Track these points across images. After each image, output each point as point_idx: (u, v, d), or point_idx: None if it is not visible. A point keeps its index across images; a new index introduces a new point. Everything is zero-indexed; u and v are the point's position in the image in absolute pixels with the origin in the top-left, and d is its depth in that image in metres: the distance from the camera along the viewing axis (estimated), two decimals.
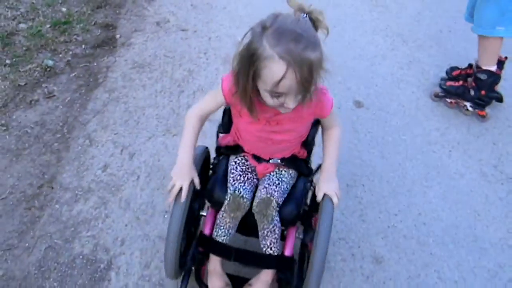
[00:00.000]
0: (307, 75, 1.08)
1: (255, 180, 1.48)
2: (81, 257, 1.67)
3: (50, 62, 2.65)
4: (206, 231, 1.49)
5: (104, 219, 1.80)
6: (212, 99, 1.37)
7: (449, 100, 2.65)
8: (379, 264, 1.79)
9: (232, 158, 1.50)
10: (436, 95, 2.68)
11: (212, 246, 1.45)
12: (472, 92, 2.51)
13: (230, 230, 1.45)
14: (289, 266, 1.47)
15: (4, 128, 2.19)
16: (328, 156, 1.45)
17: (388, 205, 2.04)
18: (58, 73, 2.61)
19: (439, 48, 3.09)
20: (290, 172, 1.50)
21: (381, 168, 2.23)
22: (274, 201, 1.39)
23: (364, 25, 3.30)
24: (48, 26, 2.95)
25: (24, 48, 2.74)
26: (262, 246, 1.46)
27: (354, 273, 1.74)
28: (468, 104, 2.57)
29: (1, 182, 1.92)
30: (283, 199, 1.43)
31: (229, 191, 1.41)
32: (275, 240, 1.44)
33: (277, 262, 1.46)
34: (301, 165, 1.52)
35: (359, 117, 2.55)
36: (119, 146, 2.14)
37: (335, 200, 1.38)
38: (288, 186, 1.47)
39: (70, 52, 2.78)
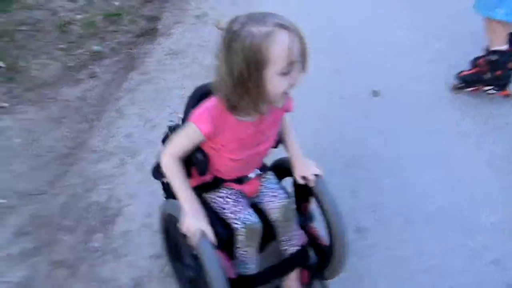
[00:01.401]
0: (304, 38, 1.12)
1: (248, 201, 1.46)
2: (96, 204, 2.00)
3: (97, 48, 3.07)
4: (231, 275, 1.38)
5: (120, 176, 2.13)
6: (188, 141, 1.28)
7: (469, 89, 2.70)
8: (361, 233, 1.95)
9: (215, 195, 1.44)
10: (455, 87, 2.75)
11: (251, 283, 1.43)
12: (488, 75, 2.55)
13: (256, 258, 1.44)
14: (308, 254, 1.55)
15: (52, 100, 2.61)
16: (293, 143, 1.48)
17: (383, 184, 2.17)
18: (103, 58, 3.01)
19: (472, 46, 3.12)
20: (270, 173, 1.54)
21: (384, 152, 2.35)
22: (291, 202, 1.46)
23: (396, 19, 3.41)
24: (100, 17, 3.38)
25: (77, 36, 3.18)
26: (286, 248, 1.50)
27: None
28: (488, 88, 2.60)
29: (43, 142, 2.32)
30: None
31: (237, 226, 1.36)
32: (298, 236, 1.51)
33: (302, 256, 1.52)
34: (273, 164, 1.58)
35: (373, 105, 2.68)
36: (143, 119, 2.47)
37: (321, 173, 1.46)
38: (281, 186, 1.53)
39: (116, 40, 3.19)
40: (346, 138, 2.41)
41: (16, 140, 2.31)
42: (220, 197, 1.42)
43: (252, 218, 1.38)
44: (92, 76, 2.83)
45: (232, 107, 1.20)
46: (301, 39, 1.11)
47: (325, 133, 2.44)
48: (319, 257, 1.59)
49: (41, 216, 1.94)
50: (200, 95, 1.39)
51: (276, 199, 1.46)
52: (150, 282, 1.72)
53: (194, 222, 1.25)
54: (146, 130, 2.39)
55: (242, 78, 1.10)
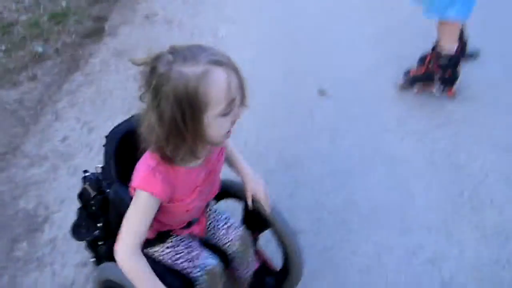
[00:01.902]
0: (239, 70, 1.01)
1: (199, 242, 1.35)
2: (23, 211, 1.93)
3: (40, 49, 2.99)
4: None
5: (51, 182, 2.06)
6: (145, 218, 1.08)
7: (415, 90, 2.73)
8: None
9: (162, 247, 1.28)
10: (402, 87, 2.77)
11: None
12: (437, 76, 2.59)
13: None
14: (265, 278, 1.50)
15: None
16: (241, 162, 1.37)
17: (323, 185, 2.16)
18: (46, 59, 2.94)
19: (423, 45, 3.15)
20: (212, 203, 1.44)
21: (327, 152, 2.35)
22: (244, 229, 1.39)
23: (349, 17, 3.42)
24: (45, 18, 3.30)
25: (20, 37, 3.09)
26: (242, 276, 1.43)
27: (268, 243, 1.88)
28: (435, 87, 2.64)
29: None
30: None
31: (196, 274, 1.24)
32: (254, 262, 1.45)
33: (261, 282, 1.47)
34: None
35: (319, 104, 2.68)
36: (81, 122, 2.41)
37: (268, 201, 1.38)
38: (225, 213, 1.43)
39: (61, 41, 3.11)
40: (289, 138, 2.40)
41: None
42: (170, 247, 1.27)
43: (211, 260, 1.27)
44: (32, 78, 2.75)
45: (169, 159, 1.05)
46: (237, 72, 0.99)
47: (267, 133, 2.42)
48: (273, 279, 1.52)
49: None
50: (119, 138, 1.23)
51: (231, 230, 1.38)
52: None
53: None
54: (83, 134, 2.34)
55: (177, 127, 0.96)
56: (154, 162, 1.06)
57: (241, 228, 1.40)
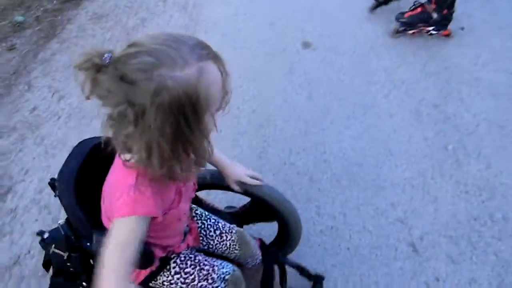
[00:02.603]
0: (222, 59, 0.88)
1: (203, 254, 1.25)
2: None
3: (20, 18, 2.97)
4: None
5: (17, 153, 2.08)
6: (136, 243, 0.89)
7: (410, 32, 2.57)
8: None
9: (167, 276, 1.16)
10: (396, 31, 2.60)
11: None
12: (435, 15, 2.45)
13: None
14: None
15: None
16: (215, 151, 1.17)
17: (294, 144, 2.08)
18: (26, 28, 2.92)
19: None
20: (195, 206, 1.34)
21: (303, 108, 2.25)
22: (235, 226, 1.33)
23: None
24: None
25: (1, 8, 3.09)
26: (256, 263, 1.37)
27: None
28: (431, 28, 2.51)
29: None
30: None
31: (220, 287, 1.15)
32: (257, 247, 1.39)
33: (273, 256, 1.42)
34: None
35: (302, 58, 2.56)
36: (52, 90, 2.40)
37: (256, 174, 1.29)
38: (211, 215, 1.34)
39: (42, 8, 3.08)
40: (266, 95, 2.30)
41: None
42: (177, 272, 1.14)
43: (226, 267, 1.18)
44: (11, 48, 2.75)
45: (170, 176, 0.90)
46: (221, 61, 0.86)
47: (244, 89, 2.33)
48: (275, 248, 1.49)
49: None
50: (75, 179, 1.04)
51: (225, 236, 1.28)
52: (29, 260, 1.70)
53: None
54: (52, 102, 2.33)
55: (183, 136, 0.83)
56: (133, 179, 0.89)
57: (234, 230, 1.30)
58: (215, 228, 1.28)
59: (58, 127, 2.20)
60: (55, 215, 1.84)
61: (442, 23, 2.51)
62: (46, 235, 1.09)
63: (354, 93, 2.32)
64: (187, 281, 1.14)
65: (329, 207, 1.83)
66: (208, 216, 1.30)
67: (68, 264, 1.08)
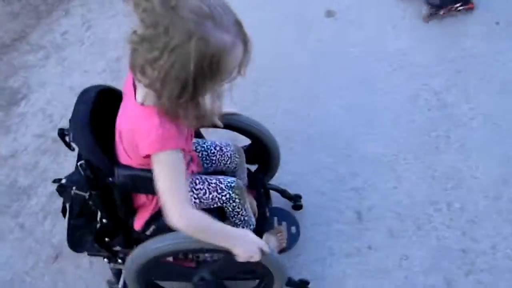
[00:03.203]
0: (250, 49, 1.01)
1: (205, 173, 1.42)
2: (10, 88, 2.29)
3: None
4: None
5: (40, 68, 2.39)
6: (181, 172, 1.06)
7: (442, 12, 2.52)
8: None
9: None
10: (429, 15, 2.54)
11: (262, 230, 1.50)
12: None
13: (249, 210, 1.43)
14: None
15: None
16: None
17: (282, 104, 2.18)
18: None
19: None
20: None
21: (300, 74, 2.32)
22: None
23: None
24: None
25: None
26: (244, 179, 1.53)
27: None
28: (458, 4, 2.48)
29: None
30: None
31: (227, 196, 1.30)
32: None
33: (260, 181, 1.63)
34: None
35: (321, 27, 2.60)
36: (84, 20, 2.67)
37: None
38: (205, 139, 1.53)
39: None
40: (272, 54, 2.37)
41: None
42: (189, 191, 1.27)
43: (230, 178, 1.33)
44: None
45: (173, 118, 1.01)
46: (247, 49, 0.98)
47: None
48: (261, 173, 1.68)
49: None
50: (88, 122, 1.14)
51: (224, 149, 1.44)
52: (24, 155, 2.00)
53: (250, 246, 1.16)
54: (81, 30, 2.59)
55: (192, 86, 0.93)
56: (157, 118, 1.00)
57: (230, 143, 1.47)
58: (214, 146, 1.44)
59: (79, 52, 2.46)
60: (56, 123, 2.12)
61: None
62: (63, 181, 1.20)
63: (358, 66, 2.35)
64: (199, 195, 1.28)
65: (293, 165, 1.94)
66: (204, 141, 1.46)
67: (90, 203, 1.18)
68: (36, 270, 1.73)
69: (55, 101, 2.21)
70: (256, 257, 1.15)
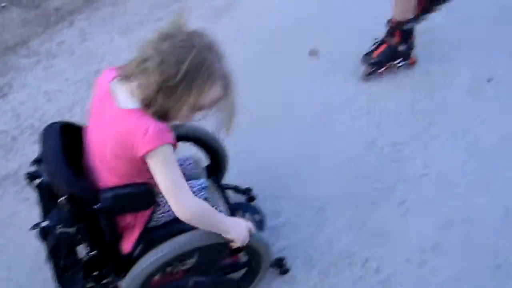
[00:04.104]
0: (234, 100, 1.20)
1: None
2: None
3: None
4: None
5: None
6: (178, 167, 1.17)
7: (380, 70, 2.47)
8: None
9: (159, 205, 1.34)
10: (367, 73, 2.47)
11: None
12: (401, 47, 2.38)
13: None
14: None
15: None
16: None
17: None
18: None
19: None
20: None
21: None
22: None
23: None
24: None
25: None
26: None
27: None
28: (397, 60, 2.44)
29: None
30: None
31: (202, 196, 1.42)
32: None
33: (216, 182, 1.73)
34: None
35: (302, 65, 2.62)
36: None
37: None
38: None
39: None
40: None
41: None
42: (166, 203, 1.31)
43: (199, 181, 1.45)
44: None
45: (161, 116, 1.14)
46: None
47: None
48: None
49: None
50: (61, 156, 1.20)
51: (185, 162, 1.60)
52: None
53: (242, 229, 1.27)
54: (77, 41, 2.80)
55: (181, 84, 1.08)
56: (148, 116, 1.11)
57: (189, 158, 1.61)
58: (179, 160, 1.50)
59: (66, 61, 2.66)
60: (21, 122, 2.28)
61: (408, 53, 2.43)
62: (45, 223, 1.20)
63: (325, 107, 2.34)
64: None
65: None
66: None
67: (78, 236, 1.21)
68: None
69: (28, 102, 2.39)
70: (246, 240, 1.27)
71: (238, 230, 1.26)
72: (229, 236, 1.25)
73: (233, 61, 1.19)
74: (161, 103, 1.09)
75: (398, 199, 1.95)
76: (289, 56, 2.58)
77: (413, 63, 2.48)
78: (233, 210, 1.64)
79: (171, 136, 1.13)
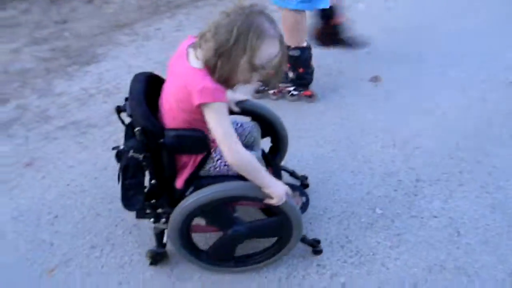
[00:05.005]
0: (285, 60, 1.38)
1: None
2: None
3: None
4: None
5: None
6: (229, 120, 1.36)
7: (271, 92, 2.48)
8: None
9: (213, 162, 1.54)
10: (257, 91, 2.50)
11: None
12: (290, 74, 2.38)
13: None
14: None
15: None
16: None
17: None
18: None
19: None
20: None
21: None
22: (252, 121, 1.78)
23: None
24: None
25: None
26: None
27: None
28: (291, 88, 2.44)
29: None
30: None
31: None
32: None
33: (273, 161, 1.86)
34: None
35: None
36: None
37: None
38: None
39: None
40: None
41: None
42: (219, 159, 1.53)
43: (254, 151, 1.60)
44: None
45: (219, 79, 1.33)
46: (284, 59, 1.36)
47: None
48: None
49: None
50: (143, 97, 1.42)
51: (245, 125, 1.72)
52: (63, 96, 2.64)
53: (281, 189, 1.44)
54: (171, 30, 3.21)
55: (237, 46, 1.26)
56: (208, 75, 1.31)
57: (249, 121, 1.74)
58: (236, 122, 1.70)
59: (156, 45, 3.06)
60: (100, 84, 2.71)
61: (301, 83, 2.40)
62: (121, 147, 1.43)
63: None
64: (226, 164, 1.50)
65: None
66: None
67: (144, 163, 1.42)
68: None
69: (112, 71, 2.83)
70: (283, 199, 1.43)
71: (276, 188, 1.42)
72: (267, 191, 1.41)
73: None
74: (221, 66, 1.29)
75: (396, 231, 1.93)
76: None
77: (308, 96, 2.46)
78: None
79: (223, 95, 1.31)
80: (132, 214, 1.60)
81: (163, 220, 1.60)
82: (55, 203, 2.01)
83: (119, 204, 1.49)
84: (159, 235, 1.70)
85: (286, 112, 2.26)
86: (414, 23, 3.29)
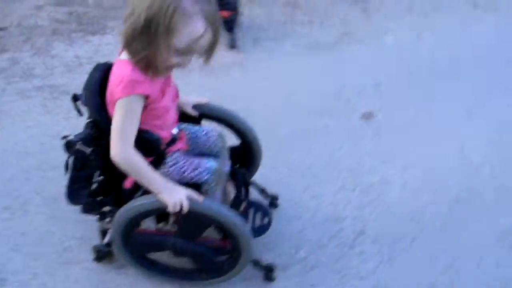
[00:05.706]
0: (218, 38, 1.21)
1: (192, 154, 1.56)
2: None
3: None
4: None
5: None
6: (135, 119, 1.27)
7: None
8: None
9: (165, 168, 1.46)
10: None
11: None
12: None
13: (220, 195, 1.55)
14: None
15: None
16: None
17: None
18: None
19: None
20: (181, 123, 1.60)
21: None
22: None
23: None
24: None
25: None
26: (226, 168, 1.64)
27: None
28: None
29: None
30: None
31: (205, 177, 1.45)
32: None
33: (242, 176, 1.74)
34: None
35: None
36: None
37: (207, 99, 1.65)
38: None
39: None
40: None
41: None
42: (173, 165, 1.45)
43: (213, 162, 1.48)
44: None
45: (144, 66, 1.22)
46: (216, 38, 1.21)
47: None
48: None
49: None
50: (98, 88, 1.35)
51: (209, 134, 1.61)
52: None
53: (178, 194, 1.32)
54: None
55: (149, 29, 1.13)
56: (130, 66, 1.21)
57: (215, 130, 1.63)
58: (201, 130, 1.62)
59: None
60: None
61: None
62: (71, 137, 1.34)
63: None
64: (180, 172, 1.45)
65: None
66: (193, 125, 1.62)
67: (91, 158, 1.35)
68: None
69: (111, 45, 2.85)
70: (176, 206, 1.31)
71: (170, 193, 1.31)
72: (160, 197, 1.31)
73: None
74: (140, 50, 1.16)
75: (311, 281, 1.76)
76: None
77: None
78: (240, 203, 1.63)
79: (144, 87, 1.22)
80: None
81: (108, 219, 1.54)
82: None
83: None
84: (103, 232, 1.64)
85: None
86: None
